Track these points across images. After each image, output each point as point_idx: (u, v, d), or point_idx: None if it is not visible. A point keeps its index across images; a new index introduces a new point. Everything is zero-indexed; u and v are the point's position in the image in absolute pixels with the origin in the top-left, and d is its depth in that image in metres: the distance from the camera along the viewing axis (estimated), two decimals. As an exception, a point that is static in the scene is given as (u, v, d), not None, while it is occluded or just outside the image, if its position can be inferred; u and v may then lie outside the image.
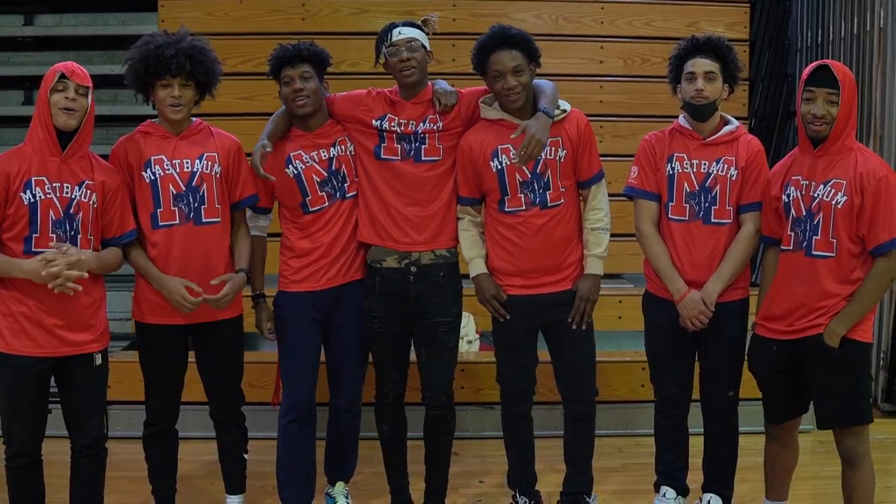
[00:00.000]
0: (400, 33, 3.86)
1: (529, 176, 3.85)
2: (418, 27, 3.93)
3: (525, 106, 3.82)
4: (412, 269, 3.94)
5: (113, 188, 3.63)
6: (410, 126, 3.91)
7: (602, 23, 6.74)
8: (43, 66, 6.72)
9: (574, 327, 3.92)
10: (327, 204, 3.96)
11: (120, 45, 6.95)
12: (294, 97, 3.85)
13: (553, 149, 3.83)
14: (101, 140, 6.36)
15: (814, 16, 6.95)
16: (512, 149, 3.80)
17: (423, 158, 3.92)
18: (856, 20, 6.26)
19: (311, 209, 3.97)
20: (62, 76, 3.47)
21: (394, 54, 3.85)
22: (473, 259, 4.00)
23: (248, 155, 3.90)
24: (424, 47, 3.91)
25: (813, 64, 3.61)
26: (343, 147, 3.98)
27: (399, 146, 3.92)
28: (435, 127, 3.92)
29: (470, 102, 3.97)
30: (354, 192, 4.00)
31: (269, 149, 3.81)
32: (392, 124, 3.92)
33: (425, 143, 3.91)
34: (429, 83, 3.97)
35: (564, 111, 3.88)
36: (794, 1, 7.29)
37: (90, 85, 3.53)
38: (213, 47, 3.90)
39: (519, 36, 3.80)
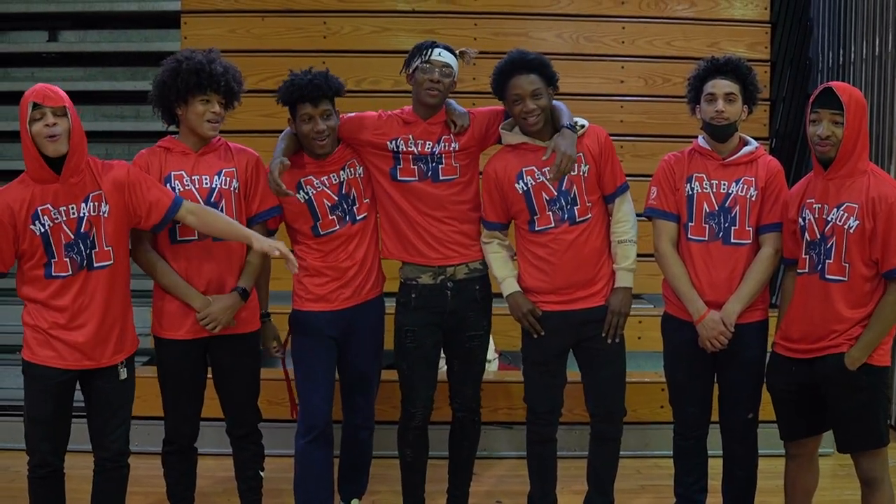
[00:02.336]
0: (440, 54, 3.89)
1: (556, 193, 3.87)
2: (455, 55, 3.97)
3: (545, 128, 3.85)
4: (449, 283, 3.99)
5: (123, 186, 3.59)
6: (427, 147, 3.94)
7: (623, 42, 6.73)
8: (66, 81, 6.85)
9: (609, 342, 3.94)
10: (338, 227, 3.98)
11: (143, 62, 7.04)
12: (315, 137, 3.85)
13: (576, 165, 3.83)
14: (124, 155, 6.45)
15: (835, 36, 6.93)
16: (536, 170, 3.85)
17: (441, 178, 3.96)
18: (877, 41, 6.24)
19: (321, 232, 3.99)
20: (35, 105, 3.40)
21: (426, 71, 3.87)
22: (505, 279, 4.03)
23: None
24: (454, 77, 3.95)
25: (820, 87, 3.62)
26: (352, 170, 4.01)
27: (416, 167, 3.95)
28: (451, 148, 3.95)
29: (482, 122, 4.01)
30: (364, 214, 4.02)
31: (287, 163, 3.83)
32: (408, 145, 3.94)
33: (442, 163, 3.95)
34: (443, 106, 4.00)
35: (583, 126, 3.90)
36: (815, 21, 7.27)
37: (66, 104, 3.44)
38: (235, 64, 3.92)
39: (536, 60, 3.83)
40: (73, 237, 3.50)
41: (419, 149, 3.94)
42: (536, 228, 3.93)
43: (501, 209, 3.99)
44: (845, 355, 3.51)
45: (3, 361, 5.70)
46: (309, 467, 4.03)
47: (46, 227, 3.47)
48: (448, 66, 3.90)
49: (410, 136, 3.94)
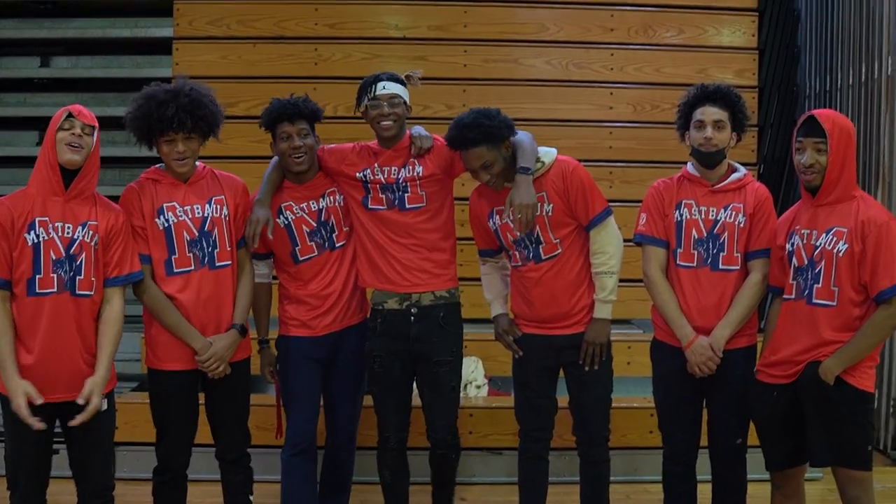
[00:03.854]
0: (384, 88, 3.94)
1: (518, 234, 3.90)
2: (401, 81, 4.01)
3: (509, 175, 3.87)
4: (413, 309, 4.01)
5: (115, 228, 3.62)
6: (392, 173, 3.99)
7: (612, 69, 6.78)
8: (58, 107, 6.77)
9: (587, 369, 3.96)
10: (316, 253, 4.04)
11: (135, 88, 6.87)
12: (292, 153, 3.93)
13: (539, 205, 3.86)
14: (115, 181, 6.48)
15: (822, 63, 6.99)
16: (511, 222, 3.87)
17: (407, 206, 4.00)
18: (864, 68, 6.30)
19: (300, 258, 4.04)
20: (69, 115, 3.52)
21: (375, 107, 3.94)
22: (492, 301, 4.16)
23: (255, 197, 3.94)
24: (405, 102, 4.00)
25: (804, 115, 3.65)
26: (332, 198, 4.07)
27: (384, 196, 4.00)
28: (415, 173, 3.98)
29: (446, 153, 3.99)
30: (343, 242, 4.08)
31: (271, 223, 3.89)
32: (374, 174, 3.99)
33: (408, 192, 3.99)
34: (407, 131, 4.04)
35: (544, 164, 3.90)
36: (802, 48, 7.33)
37: (96, 126, 3.56)
38: (227, 90, 3.96)
39: (479, 135, 3.77)
40: (62, 255, 3.50)
41: (385, 177, 4.00)
42: (512, 263, 4.06)
43: (486, 238, 4.10)
44: (821, 365, 3.51)
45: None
46: (294, 482, 4.07)
47: (40, 239, 3.48)
48: (396, 95, 3.95)
49: (376, 165, 4.00)
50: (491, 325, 4.16)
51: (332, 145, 4.13)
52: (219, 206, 3.85)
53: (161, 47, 6.88)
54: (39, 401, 3.43)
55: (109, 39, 7.19)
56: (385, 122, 3.94)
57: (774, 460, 3.79)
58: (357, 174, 4.02)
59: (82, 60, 7.31)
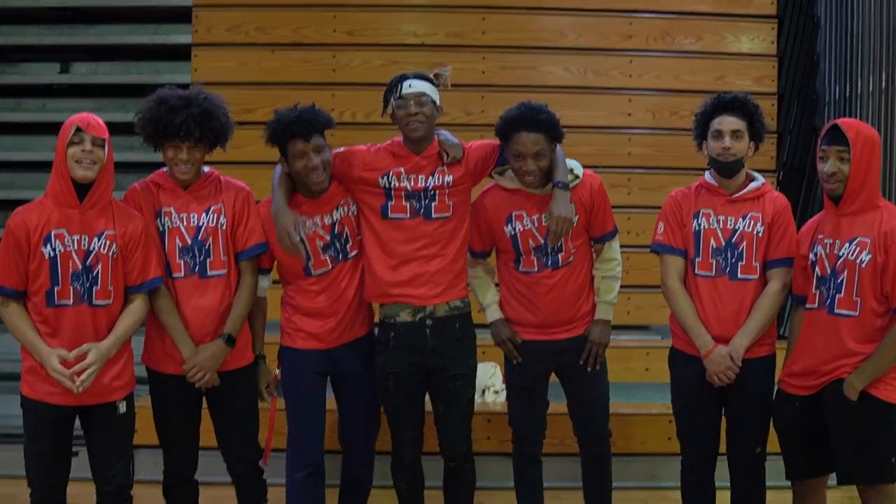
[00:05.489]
0: (410, 86, 3.82)
1: (542, 241, 3.89)
2: (430, 80, 3.90)
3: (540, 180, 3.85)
4: (428, 321, 3.92)
5: (134, 236, 3.62)
6: (420, 181, 3.88)
7: (630, 76, 6.79)
8: (77, 112, 6.89)
9: (589, 370, 3.98)
10: (330, 267, 3.93)
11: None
12: (310, 173, 3.78)
13: (576, 218, 3.86)
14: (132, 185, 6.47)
15: (842, 70, 6.97)
16: (526, 215, 3.88)
17: (433, 216, 3.89)
18: (884, 75, 6.28)
19: (314, 272, 3.93)
20: (78, 129, 3.48)
21: (402, 107, 3.81)
22: (490, 305, 4.09)
23: (259, 201, 3.92)
24: (434, 102, 3.87)
25: (828, 123, 3.64)
26: (346, 209, 3.94)
27: (408, 204, 3.87)
28: (444, 181, 3.89)
29: (478, 158, 3.95)
30: (356, 252, 3.96)
31: (309, 227, 3.81)
32: (401, 180, 3.87)
33: (435, 200, 3.88)
34: (435, 137, 3.93)
35: (578, 177, 3.91)
36: (822, 55, 7.31)
37: (106, 136, 3.53)
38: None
39: (547, 120, 3.80)
40: (80, 267, 3.51)
41: (412, 184, 3.88)
42: (521, 269, 3.98)
43: (488, 240, 4.05)
44: (844, 381, 3.51)
45: (4, 389, 5.71)
46: (305, 502, 4.00)
47: (57, 252, 3.49)
48: (423, 93, 3.83)
49: (403, 171, 3.88)
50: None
51: (343, 149, 3.97)
52: (216, 216, 3.80)
53: (180, 54, 6.93)
54: (71, 357, 3.46)
55: (129, 46, 7.26)
56: (413, 123, 3.79)
57: (796, 469, 3.78)
58: (379, 180, 3.89)
59: (102, 66, 7.37)
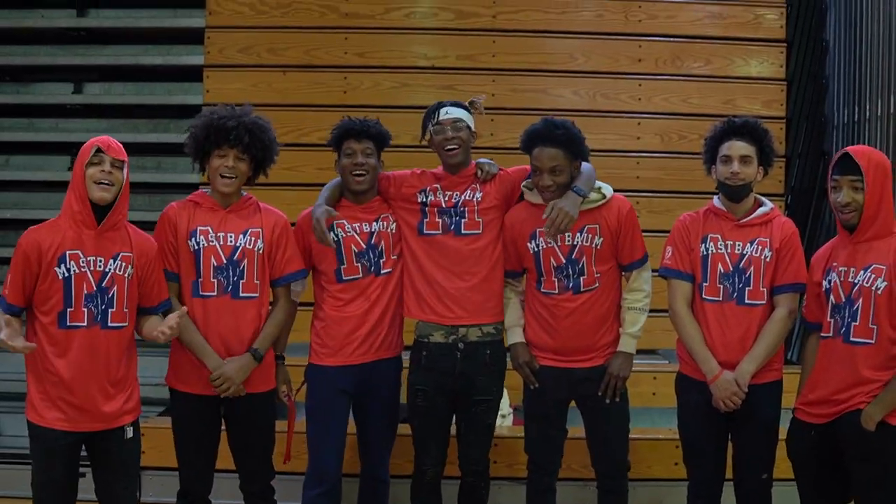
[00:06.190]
0: (447, 113, 3.97)
1: (564, 261, 3.91)
2: (465, 108, 4.03)
3: (565, 191, 3.86)
4: (459, 345, 3.99)
5: (149, 259, 3.67)
6: (454, 198, 4.00)
7: (639, 99, 6.81)
8: (90, 132, 6.82)
9: (608, 401, 3.95)
10: (360, 276, 4.02)
11: (165, 115, 7.15)
12: (353, 170, 3.95)
13: (590, 236, 3.89)
14: (145, 206, 6.54)
15: (851, 94, 6.96)
16: (546, 225, 3.85)
17: (463, 232, 3.99)
18: (892, 99, 6.27)
19: (344, 278, 4.02)
20: (98, 150, 3.52)
21: (439, 132, 3.96)
22: (512, 327, 4.09)
23: (293, 224, 4.02)
24: (469, 127, 4.01)
25: (838, 152, 3.63)
26: (385, 223, 4.06)
27: (440, 220, 4.00)
28: (475, 198, 3.99)
29: (510, 181, 4.05)
30: (389, 270, 4.05)
31: (334, 213, 3.93)
32: (436, 195, 4.01)
33: (465, 217, 3.99)
34: (472, 162, 4.06)
35: (604, 196, 3.92)
36: (831, 79, 7.31)
37: (125, 159, 3.57)
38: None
39: (563, 135, 3.84)
40: (94, 289, 3.52)
41: (445, 200, 4.01)
42: (542, 290, 3.99)
43: (515, 259, 4.06)
44: (862, 413, 3.49)
45: (6, 409, 5.73)
46: None
47: (71, 273, 3.50)
48: (459, 119, 3.98)
49: (439, 187, 4.02)
50: (516, 355, 4.14)
51: (394, 171, 4.14)
52: (254, 239, 3.86)
53: (192, 75, 6.95)
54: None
55: (142, 66, 7.28)
56: (450, 147, 3.95)
57: (811, 499, 3.76)
58: (417, 195, 4.03)
59: (115, 87, 7.40)
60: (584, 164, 3.93)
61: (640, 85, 6.81)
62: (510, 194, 4.06)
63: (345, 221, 4.01)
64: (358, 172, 3.96)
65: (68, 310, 3.50)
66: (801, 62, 7.20)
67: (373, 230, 4.03)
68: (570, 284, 3.93)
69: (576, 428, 4.11)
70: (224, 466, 4.06)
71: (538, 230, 3.92)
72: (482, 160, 4.10)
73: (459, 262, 4.00)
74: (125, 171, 3.57)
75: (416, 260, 4.03)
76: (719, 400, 3.80)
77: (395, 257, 4.07)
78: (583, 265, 3.91)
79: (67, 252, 3.50)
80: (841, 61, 7.17)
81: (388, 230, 4.06)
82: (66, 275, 3.50)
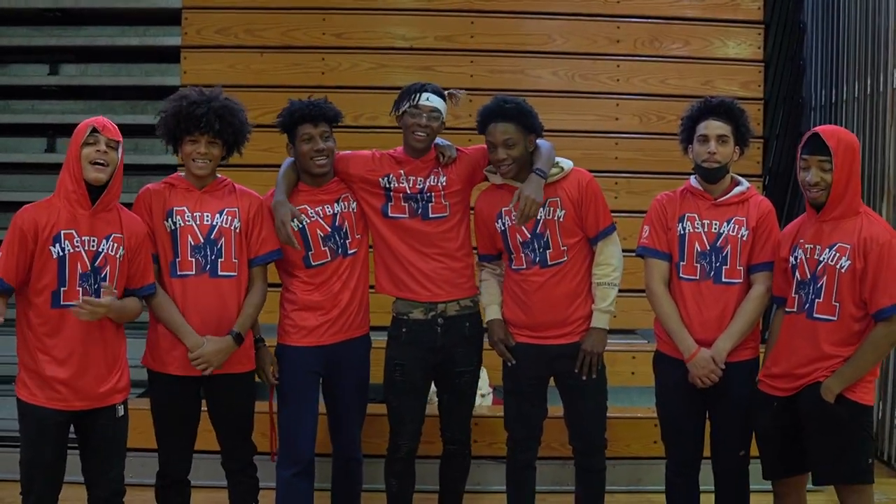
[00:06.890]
0: (428, 99, 3.96)
1: (529, 236, 3.95)
2: (444, 98, 4.03)
3: (521, 174, 3.91)
4: (439, 320, 4.04)
5: (139, 241, 3.68)
6: (418, 184, 4.01)
7: (618, 80, 6.81)
8: (66, 114, 6.91)
9: (584, 378, 3.97)
10: (329, 259, 4.03)
11: (142, 96, 7.10)
12: (314, 156, 3.93)
13: (552, 209, 3.93)
14: (125, 188, 6.38)
15: (828, 75, 7.01)
16: (513, 211, 3.88)
17: (430, 216, 4.03)
18: (869, 80, 6.32)
19: (312, 263, 4.03)
20: (94, 130, 3.53)
21: (414, 116, 3.95)
22: (489, 305, 4.15)
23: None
24: (443, 121, 4.02)
25: (808, 132, 3.67)
26: (346, 204, 4.07)
27: (406, 205, 4.02)
28: (439, 183, 4.01)
29: (469, 161, 4.09)
30: (355, 250, 4.07)
31: (296, 212, 3.92)
32: (399, 181, 4.01)
33: (432, 201, 4.02)
34: (432, 146, 4.07)
35: (563, 170, 3.96)
36: (808, 61, 7.35)
37: (120, 140, 3.58)
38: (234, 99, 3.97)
39: (514, 109, 3.88)
40: (88, 268, 3.53)
41: (410, 186, 4.02)
42: (513, 266, 4.05)
43: (489, 242, 4.12)
44: (821, 385, 3.54)
45: (-1, 392, 5.71)
46: (295, 500, 4.05)
47: (66, 252, 3.50)
48: (436, 110, 3.97)
49: (402, 172, 4.02)
50: (494, 335, 4.17)
51: (348, 152, 4.13)
52: (230, 218, 3.87)
53: (169, 56, 6.91)
54: None
55: (118, 48, 7.23)
56: (419, 134, 3.95)
57: (774, 469, 3.82)
58: (380, 181, 4.03)
59: (91, 68, 7.34)
60: (542, 142, 3.97)
61: (618, 66, 6.82)
62: (472, 173, 4.09)
63: (307, 206, 4.01)
64: (319, 158, 3.95)
65: (62, 289, 3.51)
66: (778, 44, 7.24)
67: (335, 211, 4.04)
68: (537, 259, 3.97)
69: (555, 407, 4.14)
70: (203, 447, 4.06)
71: (503, 209, 3.97)
72: (440, 142, 4.09)
73: (429, 244, 4.04)
74: (120, 151, 3.58)
75: (385, 241, 4.06)
76: (696, 378, 3.83)
77: (359, 236, 4.09)
78: (547, 239, 3.95)
79: (62, 231, 3.51)
80: (818, 43, 7.21)
81: (350, 210, 4.07)
82: (61, 254, 3.50)
